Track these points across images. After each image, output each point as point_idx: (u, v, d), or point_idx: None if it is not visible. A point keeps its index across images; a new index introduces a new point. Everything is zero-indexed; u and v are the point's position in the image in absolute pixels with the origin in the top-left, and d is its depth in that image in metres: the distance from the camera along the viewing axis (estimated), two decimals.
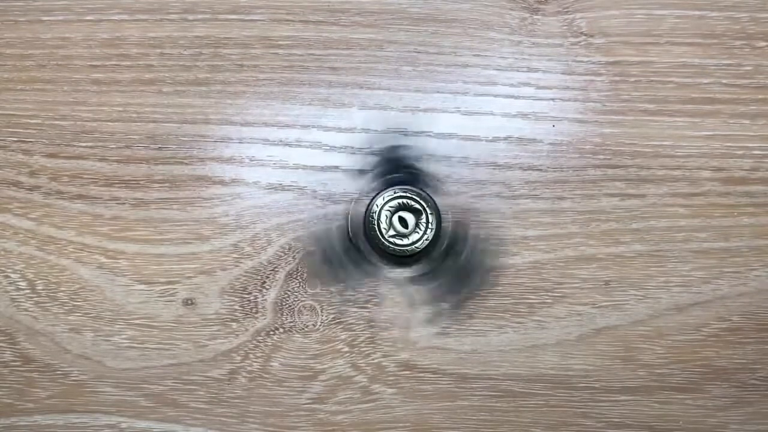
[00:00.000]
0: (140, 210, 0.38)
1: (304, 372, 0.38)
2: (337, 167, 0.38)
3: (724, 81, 0.38)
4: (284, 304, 0.38)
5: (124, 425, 0.39)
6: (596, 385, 0.38)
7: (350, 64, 0.38)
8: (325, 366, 0.38)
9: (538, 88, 0.38)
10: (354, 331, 0.38)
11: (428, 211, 0.37)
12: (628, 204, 0.38)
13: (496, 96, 0.38)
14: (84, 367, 0.38)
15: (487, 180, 0.38)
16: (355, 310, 0.38)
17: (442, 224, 0.38)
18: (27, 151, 0.38)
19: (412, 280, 0.38)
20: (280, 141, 0.38)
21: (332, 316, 0.38)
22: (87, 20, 0.39)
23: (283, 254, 0.38)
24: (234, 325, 0.38)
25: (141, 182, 0.38)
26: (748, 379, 0.38)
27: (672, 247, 0.38)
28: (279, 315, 0.38)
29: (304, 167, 0.38)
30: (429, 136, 0.38)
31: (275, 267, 0.38)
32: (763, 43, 0.38)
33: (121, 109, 0.38)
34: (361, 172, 0.38)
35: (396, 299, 0.38)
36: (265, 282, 0.38)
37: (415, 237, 0.37)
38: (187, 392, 0.38)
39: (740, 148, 0.38)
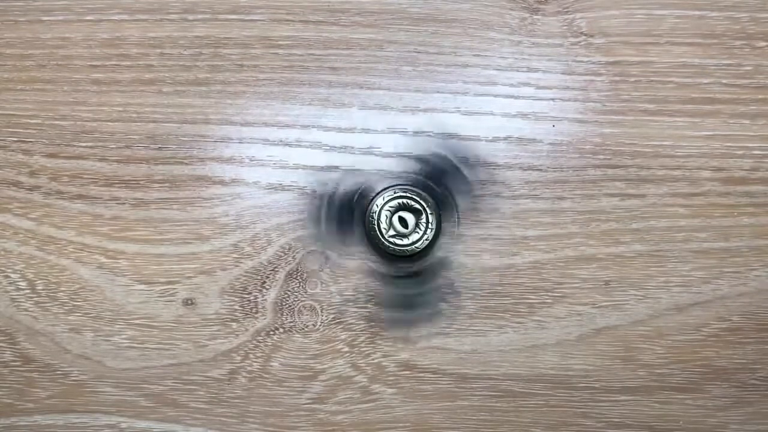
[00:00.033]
0: (140, 210, 0.38)
1: (304, 372, 0.38)
2: (337, 167, 0.38)
3: (724, 81, 0.38)
4: (284, 304, 0.38)
5: (124, 425, 0.39)
6: (596, 385, 0.38)
7: (350, 64, 0.38)
8: (325, 366, 0.38)
9: (538, 88, 0.38)
10: (354, 331, 0.38)
11: (428, 211, 0.37)
12: (628, 204, 0.38)
13: (496, 96, 0.38)
14: (84, 367, 0.38)
15: (487, 180, 0.38)
16: (355, 310, 0.38)
17: (442, 224, 0.38)
18: (27, 151, 0.38)
19: (413, 280, 0.38)
20: (280, 141, 0.38)
21: (332, 316, 0.38)
22: (87, 20, 0.39)
23: (283, 254, 0.38)
24: (234, 325, 0.38)
25: (141, 182, 0.38)
26: (748, 379, 0.38)
27: (672, 247, 0.38)
28: (279, 315, 0.38)
29: (304, 167, 0.38)
30: (429, 136, 0.38)
31: (275, 267, 0.38)
32: (763, 43, 0.38)
33: (121, 109, 0.38)
34: (361, 172, 0.38)
35: (396, 299, 0.38)
36: (265, 282, 0.38)
37: (415, 237, 0.37)
38: (187, 392, 0.39)
39: (740, 148, 0.38)
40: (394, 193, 0.37)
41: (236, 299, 0.38)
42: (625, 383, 0.38)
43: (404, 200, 0.37)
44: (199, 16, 0.39)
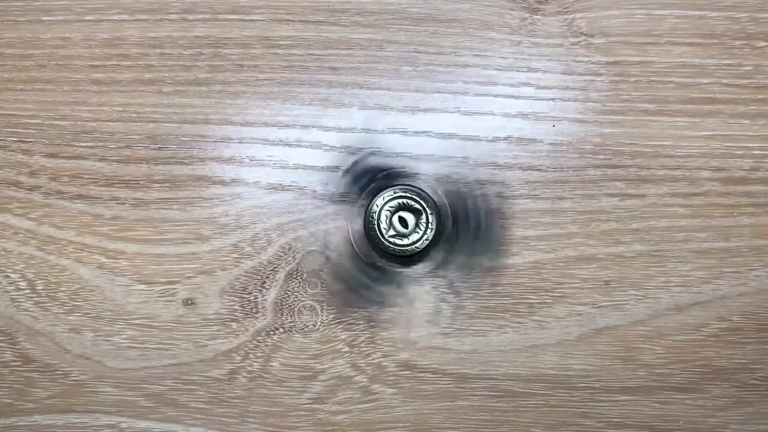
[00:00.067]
0: (140, 210, 0.38)
1: (304, 372, 0.38)
2: (337, 167, 0.38)
3: (724, 81, 0.38)
4: (284, 304, 0.38)
5: (124, 425, 0.39)
6: (596, 385, 0.38)
7: (350, 64, 0.38)
8: (325, 366, 0.38)
9: (538, 88, 0.38)
10: (354, 331, 0.38)
11: (428, 211, 0.37)
12: (628, 204, 0.38)
13: (496, 96, 0.38)
14: (84, 367, 0.38)
15: (487, 180, 0.38)
16: (355, 310, 0.38)
17: (442, 224, 0.38)
18: (27, 151, 0.38)
19: (413, 280, 0.38)
20: (280, 141, 0.38)
21: (332, 316, 0.38)
22: (87, 20, 0.39)
23: (283, 254, 0.38)
24: (234, 325, 0.38)
25: (141, 182, 0.38)
26: (748, 379, 0.38)
27: (672, 247, 0.38)
28: (279, 315, 0.38)
29: (304, 167, 0.38)
30: (429, 136, 0.38)
31: (275, 267, 0.38)
32: (763, 43, 0.38)
33: (121, 109, 0.38)
34: (361, 172, 0.38)
35: (396, 299, 0.38)
36: (265, 282, 0.38)
37: (415, 237, 0.37)
38: (187, 392, 0.39)
39: (740, 148, 0.38)
40: (394, 193, 0.37)
41: (236, 299, 0.38)
42: (625, 383, 0.38)
43: (404, 200, 0.37)
44: (199, 16, 0.39)
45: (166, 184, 0.38)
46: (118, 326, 0.38)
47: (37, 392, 0.39)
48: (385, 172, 0.38)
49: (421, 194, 0.37)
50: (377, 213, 0.37)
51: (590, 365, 0.38)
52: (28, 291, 0.38)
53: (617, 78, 0.38)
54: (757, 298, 0.38)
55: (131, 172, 0.38)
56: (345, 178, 0.38)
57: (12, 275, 0.38)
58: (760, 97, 0.38)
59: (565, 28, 0.38)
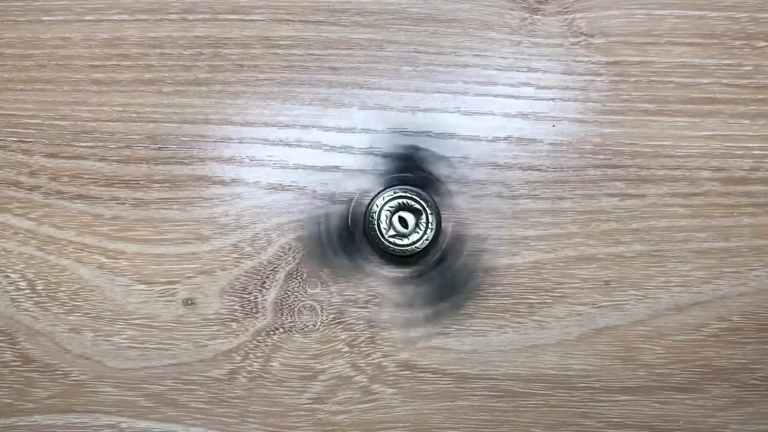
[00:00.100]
0: (140, 210, 0.38)
1: (304, 372, 0.38)
2: (337, 167, 0.38)
3: (724, 81, 0.38)
4: (284, 304, 0.38)
5: (124, 425, 0.39)
6: (596, 385, 0.38)
7: (350, 64, 0.38)
8: (325, 366, 0.38)
9: (538, 88, 0.38)
10: (354, 331, 0.38)
11: (428, 211, 0.37)
12: (628, 204, 0.38)
13: (496, 96, 0.38)
14: (84, 367, 0.38)
15: (487, 180, 0.38)
16: (355, 310, 0.38)
17: (442, 224, 0.38)
18: (27, 151, 0.38)
19: (413, 280, 0.38)
20: (280, 141, 0.38)
21: (332, 316, 0.38)
22: (87, 20, 0.39)
23: (283, 254, 0.38)
24: (234, 325, 0.38)
25: (141, 182, 0.38)
26: (748, 379, 0.38)
27: (672, 247, 0.38)
28: (279, 315, 0.38)
29: (304, 167, 0.38)
30: (429, 136, 0.38)
31: (275, 267, 0.38)
32: (763, 43, 0.38)
33: (121, 109, 0.38)
34: (361, 172, 0.38)
35: (396, 299, 0.38)
36: (265, 282, 0.38)
37: (415, 237, 0.37)
38: (187, 392, 0.39)
39: (740, 148, 0.38)
40: (394, 193, 0.37)
41: (236, 299, 0.38)
42: (625, 383, 0.38)
43: (404, 200, 0.37)
44: (199, 16, 0.39)
45: (166, 184, 0.38)
46: (118, 326, 0.38)
47: (37, 392, 0.39)
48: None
49: (421, 194, 0.37)
50: (377, 213, 0.37)
51: (590, 365, 0.38)
52: (28, 291, 0.38)
53: (617, 78, 0.38)
54: (757, 298, 0.38)
55: (131, 172, 0.38)
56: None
57: (12, 275, 0.38)
58: (760, 97, 0.38)
59: (565, 28, 0.38)
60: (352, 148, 0.38)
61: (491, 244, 0.38)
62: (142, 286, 0.38)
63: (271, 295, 0.38)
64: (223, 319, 0.38)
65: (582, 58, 0.38)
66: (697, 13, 0.38)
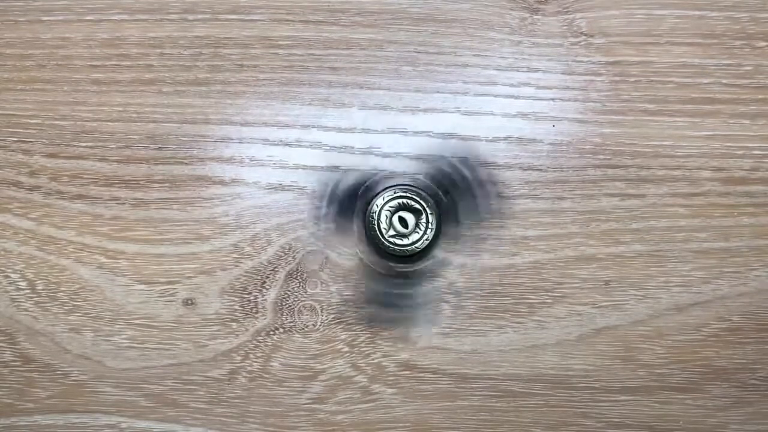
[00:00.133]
0: (140, 210, 0.38)
1: (304, 372, 0.38)
2: (337, 167, 0.38)
3: (724, 81, 0.38)
4: (284, 304, 0.38)
5: (124, 425, 0.39)
6: (596, 385, 0.38)
7: (350, 64, 0.38)
8: (325, 366, 0.38)
9: (538, 88, 0.38)
10: (354, 331, 0.38)
11: (428, 211, 0.37)
12: (628, 204, 0.38)
13: (496, 96, 0.38)
14: (84, 367, 0.38)
15: (487, 180, 0.38)
16: (355, 310, 0.38)
17: (442, 224, 0.38)
18: (27, 151, 0.38)
19: (413, 280, 0.38)
20: (280, 141, 0.38)
21: (332, 316, 0.38)
22: (87, 20, 0.39)
23: (283, 254, 0.38)
24: (234, 325, 0.38)
25: (141, 182, 0.38)
26: (748, 379, 0.38)
27: (672, 247, 0.38)
28: (279, 315, 0.38)
29: (304, 167, 0.38)
30: (429, 136, 0.38)
31: (275, 267, 0.38)
32: (763, 43, 0.38)
33: (121, 109, 0.38)
34: (361, 172, 0.38)
35: (396, 299, 0.38)
36: (265, 282, 0.38)
37: (415, 237, 0.37)
38: (187, 392, 0.39)
39: (740, 148, 0.38)
40: (394, 193, 0.37)
41: (236, 299, 0.38)
42: (625, 383, 0.38)
43: (404, 200, 0.37)
44: (199, 16, 0.39)
45: (166, 184, 0.38)
46: (118, 326, 0.38)
47: (37, 392, 0.39)
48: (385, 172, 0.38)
49: (421, 194, 0.37)
50: (377, 213, 0.37)
51: (590, 365, 0.38)
52: (28, 291, 0.38)
53: (617, 78, 0.38)
54: (757, 298, 0.38)
55: (131, 172, 0.38)
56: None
57: (12, 275, 0.38)
58: (760, 97, 0.38)
59: (565, 28, 0.38)
60: (352, 148, 0.38)
61: (491, 244, 0.38)
62: (142, 286, 0.38)
63: (271, 295, 0.38)
64: (223, 319, 0.38)
65: (582, 58, 0.38)
66: (697, 13, 0.38)
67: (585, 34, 0.38)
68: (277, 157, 0.38)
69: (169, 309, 0.38)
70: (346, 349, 0.38)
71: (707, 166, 0.38)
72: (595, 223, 0.38)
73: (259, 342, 0.38)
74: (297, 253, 0.38)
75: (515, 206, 0.38)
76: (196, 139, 0.38)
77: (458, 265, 0.38)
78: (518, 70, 0.38)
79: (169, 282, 0.38)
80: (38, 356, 0.38)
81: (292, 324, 0.38)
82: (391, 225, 0.37)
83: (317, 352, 0.38)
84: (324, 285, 0.38)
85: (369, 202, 0.38)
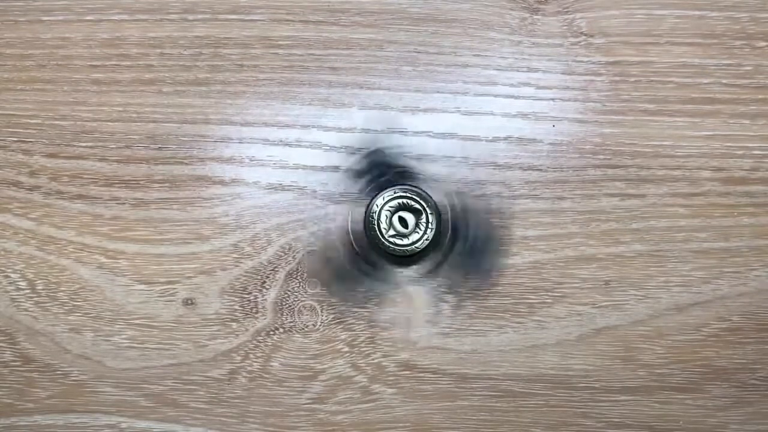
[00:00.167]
0: (140, 210, 0.38)
1: (304, 372, 0.38)
2: (337, 167, 0.38)
3: (724, 81, 0.38)
4: (284, 304, 0.38)
5: (124, 425, 0.39)
6: (596, 385, 0.38)
7: (350, 64, 0.38)
8: (325, 366, 0.38)
9: (538, 88, 0.38)
10: (354, 331, 0.38)
11: (428, 211, 0.37)
12: (628, 204, 0.38)
13: (496, 96, 0.38)
14: (84, 367, 0.38)
15: (487, 180, 0.38)
16: (355, 310, 0.38)
17: (442, 224, 0.38)
18: (27, 151, 0.38)
19: (412, 280, 0.38)
20: (280, 141, 0.38)
21: (332, 316, 0.38)
22: (87, 20, 0.39)
23: (283, 254, 0.38)
24: (234, 325, 0.38)
25: (141, 182, 0.38)
26: (748, 379, 0.38)
27: (672, 247, 0.38)
28: (279, 315, 0.38)
29: (304, 167, 0.38)
30: (429, 136, 0.38)
31: (275, 267, 0.38)
32: (763, 43, 0.38)
33: (121, 109, 0.38)
34: (361, 172, 0.38)
35: (396, 299, 0.38)
36: (265, 282, 0.38)
37: (415, 237, 0.37)
38: (187, 392, 0.39)
39: (740, 148, 0.38)
40: (394, 193, 0.37)
41: (236, 299, 0.38)
42: (625, 383, 0.38)
43: (404, 200, 0.37)
44: (199, 16, 0.39)
45: (166, 184, 0.38)
46: (118, 326, 0.38)
47: (37, 392, 0.39)
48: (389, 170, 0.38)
49: (421, 194, 0.37)
50: (377, 213, 0.37)
51: (590, 365, 0.38)
52: (28, 291, 0.38)
53: (617, 78, 0.38)
54: (757, 298, 0.38)
55: (131, 172, 0.38)
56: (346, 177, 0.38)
57: (12, 275, 0.38)
58: (760, 97, 0.38)
59: (565, 28, 0.38)
60: (352, 148, 0.38)
61: (492, 244, 0.38)
62: (142, 286, 0.38)
63: (271, 295, 0.38)
64: (223, 319, 0.38)
65: (582, 58, 0.38)
66: (697, 13, 0.38)
67: (585, 34, 0.38)
68: (277, 157, 0.38)
69: (169, 309, 0.38)
70: (346, 349, 0.38)
71: (707, 166, 0.38)
72: (595, 223, 0.38)
73: (259, 342, 0.38)
74: (297, 253, 0.38)
75: (515, 206, 0.38)
76: (196, 139, 0.38)
77: (458, 266, 0.38)
78: (518, 70, 0.38)
79: (169, 282, 0.38)
80: (38, 356, 0.38)
81: (292, 324, 0.38)
82: (391, 225, 0.37)
83: (317, 352, 0.38)
84: (324, 285, 0.38)
85: (369, 202, 0.38)
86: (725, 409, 0.38)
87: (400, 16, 0.38)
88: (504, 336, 0.38)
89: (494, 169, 0.38)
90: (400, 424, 0.39)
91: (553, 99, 0.38)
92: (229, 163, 0.38)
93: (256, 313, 0.38)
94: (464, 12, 0.38)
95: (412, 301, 0.38)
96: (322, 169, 0.38)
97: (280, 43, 0.38)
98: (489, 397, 0.38)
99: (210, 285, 0.38)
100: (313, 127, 0.38)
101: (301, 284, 0.38)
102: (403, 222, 0.37)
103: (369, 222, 0.37)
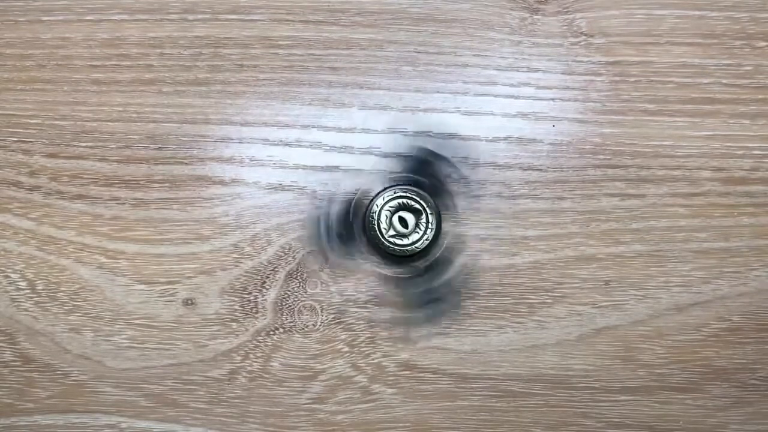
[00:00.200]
0: (140, 210, 0.38)
1: (304, 372, 0.38)
2: (337, 167, 0.38)
3: (724, 81, 0.38)
4: (284, 304, 0.38)
5: (124, 425, 0.39)
6: (596, 385, 0.38)
7: (350, 64, 0.38)
8: (325, 366, 0.38)
9: (538, 88, 0.38)
10: (354, 331, 0.38)
11: (428, 211, 0.37)
12: (628, 204, 0.38)
13: (496, 96, 0.38)
14: (84, 367, 0.38)
15: (487, 180, 0.38)
16: (355, 310, 0.38)
17: (442, 224, 0.38)
18: (27, 151, 0.38)
19: (413, 280, 0.38)
20: (280, 141, 0.38)
21: (332, 316, 0.38)
22: (87, 20, 0.39)
23: (283, 254, 0.38)
24: (234, 325, 0.38)
25: (141, 182, 0.38)
26: (748, 379, 0.38)
27: (672, 247, 0.38)
28: (279, 315, 0.38)
29: (304, 167, 0.38)
30: (429, 136, 0.38)
31: (275, 267, 0.38)
32: (763, 43, 0.38)
33: (121, 109, 0.38)
34: (361, 172, 0.38)
35: (396, 299, 0.38)
36: (265, 282, 0.38)
37: (415, 237, 0.37)
38: (187, 392, 0.39)
39: (740, 148, 0.38)
40: (394, 193, 0.37)
41: (236, 299, 0.38)
42: (625, 383, 0.38)
43: (404, 200, 0.37)
44: (199, 16, 0.39)
45: (166, 184, 0.38)
46: (118, 326, 0.38)
47: (37, 392, 0.39)
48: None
49: (421, 194, 0.37)
50: (377, 213, 0.37)
51: (590, 365, 0.38)
52: (28, 291, 0.38)
53: (617, 78, 0.38)
54: (757, 298, 0.38)
55: (131, 172, 0.38)
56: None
57: (12, 275, 0.38)
58: (760, 97, 0.38)
59: (565, 28, 0.38)
60: (352, 148, 0.38)
61: (491, 244, 0.38)
62: (142, 286, 0.38)
63: (271, 295, 0.38)
64: (223, 319, 0.38)
65: (582, 58, 0.38)
66: (697, 13, 0.38)
67: (585, 34, 0.38)
68: (277, 157, 0.38)
69: (169, 309, 0.38)
70: (346, 349, 0.38)
71: (707, 166, 0.38)
72: (595, 223, 0.38)
73: (259, 342, 0.38)
74: (297, 253, 0.38)
75: (515, 206, 0.38)
76: (196, 139, 0.38)
77: (458, 265, 0.38)
78: (518, 70, 0.38)
79: (169, 282, 0.38)
80: (38, 356, 0.38)
81: (292, 324, 0.38)
82: (391, 225, 0.37)
83: (317, 352, 0.38)
84: (324, 285, 0.38)
85: (369, 202, 0.38)
86: (725, 409, 0.38)
87: (400, 16, 0.38)
88: (504, 336, 0.38)
89: (494, 169, 0.38)
90: (400, 424, 0.39)
91: (553, 99, 0.38)
92: (229, 163, 0.38)
93: (256, 313, 0.38)
94: (464, 12, 0.38)
95: (412, 302, 0.38)
96: (322, 169, 0.38)
97: (280, 43, 0.38)
98: (489, 397, 0.38)
99: (210, 285, 0.38)
100: (313, 127, 0.38)
101: (301, 284, 0.38)
102: (403, 222, 0.37)
103: (369, 222, 0.37)
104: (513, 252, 0.38)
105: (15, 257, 0.38)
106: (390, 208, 0.37)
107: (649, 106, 0.38)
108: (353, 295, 0.38)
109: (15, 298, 0.38)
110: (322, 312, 0.38)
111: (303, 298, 0.38)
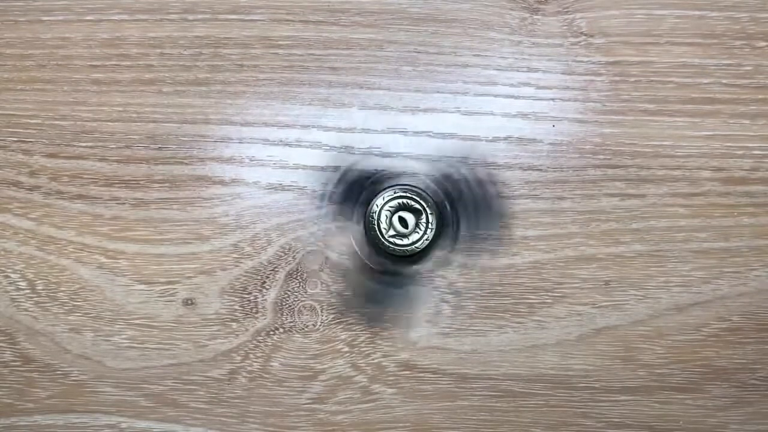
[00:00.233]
0: (140, 210, 0.38)
1: (304, 372, 0.38)
2: (337, 167, 0.38)
3: (724, 81, 0.38)
4: (284, 304, 0.38)
5: (124, 425, 0.39)
6: (596, 385, 0.38)
7: (350, 64, 0.38)
8: (325, 366, 0.38)
9: (538, 88, 0.38)
10: (354, 331, 0.38)
11: (428, 211, 0.37)
12: (628, 204, 0.38)
13: (496, 96, 0.38)
14: (84, 367, 0.38)
15: (487, 180, 0.38)
16: (355, 310, 0.38)
17: (442, 224, 0.38)
18: (27, 151, 0.38)
19: (413, 280, 0.38)
20: (280, 141, 0.38)
21: (332, 316, 0.38)
22: (87, 20, 0.39)
23: (283, 254, 0.38)
24: (234, 325, 0.38)
25: (141, 182, 0.38)
26: (748, 379, 0.38)
27: (672, 247, 0.38)
28: (279, 315, 0.38)
29: (304, 167, 0.38)
30: (429, 136, 0.38)
31: (275, 267, 0.38)
32: (763, 43, 0.38)
33: (121, 109, 0.38)
34: (361, 171, 0.38)
35: (396, 299, 0.38)
36: (265, 282, 0.38)
37: (415, 237, 0.37)
38: (187, 392, 0.39)
39: (740, 148, 0.38)
40: (394, 193, 0.37)
41: (236, 299, 0.38)
42: (625, 383, 0.38)
43: (404, 200, 0.37)
44: (199, 16, 0.39)
45: (166, 184, 0.38)
46: (118, 326, 0.38)
47: (37, 392, 0.39)
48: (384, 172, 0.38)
49: (421, 194, 0.37)
50: (377, 213, 0.37)
51: (590, 365, 0.38)
52: (28, 291, 0.38)
53: (617, 78, 0.38)
54: (757, 298, 0.38)
55: (131, 172, 0.38)
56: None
57: (12, 275, 0.38)
58: (760, 97, 0.38)
59: (565, 28, 0.38)
60: (352, 148, 0.38)
61: (491, 244, 0.38)
62: (142, 286, 0.38)
63: (271, 295, 0.38)
64: (223, 319, 0.38)
65: (582, 58, 0.38)
66: (697, 13, 0.38)
67: (585, 34, 0.38)
68: (277, 157, 0.38)
69: (169, 309, 0.38)
70: (346, 349, 0.38)
71: (707, 166, 0.38)
72: (595, 223, 0.38)
73: (259, 342, 0.38)
74: (297, 253, 0.38)
75: (515, 206, 0.38)
76: (196, 139, 0.38)
77: (458, 265, 0.38)
78: (518, 70, 0.38)
79: (169, 282, 0.38)
80: (38, 356, 0.38)
81: (292, 324, 0.38)
82: (391, 225, 0.37)
83: (317, 352, 0.38)
84: (324, 285, 0.38)
85: (369, 202, 0.38)
86: (725, 409, 0.38)
87: (400, 16, 0.38)
88: (504, 336, 0.38)
89: (494, 169, 0.38)
90: (400, 424, 0.39)
91: (553, 99, 0.38)
92: (229, 163, 0.38)
93: (256, 313, 0.38)
94: (464, 12, 0.38)
95: (412, 301, 0.38)
96: (322, 169, 0.38)
97: (280, 43, 0.38)
98: (489, 397, 0.38)
99: (210, 285, 0.38)
100: (313, 127, 0.38)
101: (301, 284, 0.38)
102: (403, 222, 0.37)
103: (369, 222, 0.37)
104: (513, 252, 0.38)
105: (15, 257, 0.38)
106: (390, 208, 0.37)
107: (649, 106, 0.38)
108: (353, 295, 0.38)
109: (15, 298, 0.38)
110: (322, 312, 0.38)
111: (303, 298, 0.38)
